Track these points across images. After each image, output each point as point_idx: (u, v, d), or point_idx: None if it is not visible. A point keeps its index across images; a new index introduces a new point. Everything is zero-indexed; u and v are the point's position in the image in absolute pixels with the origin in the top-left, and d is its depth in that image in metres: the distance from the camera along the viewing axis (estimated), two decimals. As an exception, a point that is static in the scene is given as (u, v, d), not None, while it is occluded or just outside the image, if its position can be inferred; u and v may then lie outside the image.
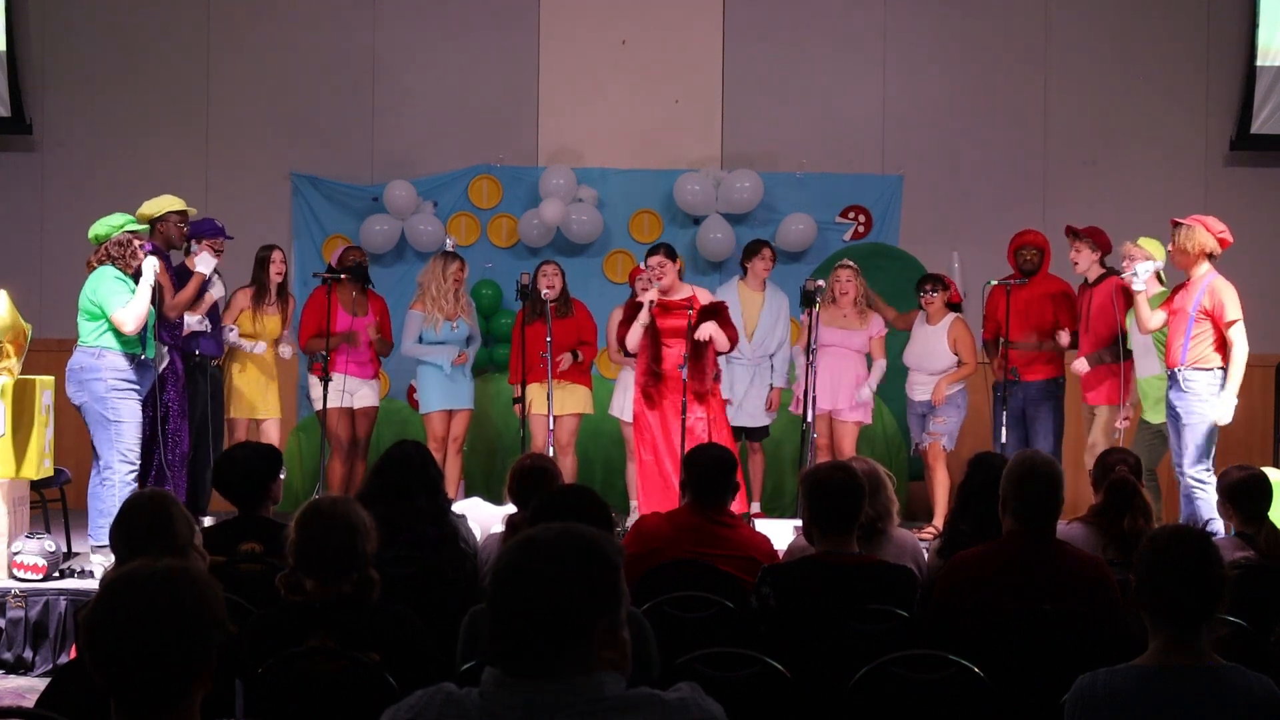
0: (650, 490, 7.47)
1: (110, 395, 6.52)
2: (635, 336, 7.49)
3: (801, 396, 7.62)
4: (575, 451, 8.39)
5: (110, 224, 6.64)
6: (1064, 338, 7.84)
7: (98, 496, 6.53)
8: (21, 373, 6.69)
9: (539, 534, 2.12)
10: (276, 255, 8.11)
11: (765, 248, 8.39)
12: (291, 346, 8.18)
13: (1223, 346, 6.76)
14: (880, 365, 8.24)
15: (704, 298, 7.60)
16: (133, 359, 6.61)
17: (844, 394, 8.15)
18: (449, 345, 8.21)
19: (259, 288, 8.05)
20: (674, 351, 7.43)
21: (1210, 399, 6.72)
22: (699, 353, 7.38)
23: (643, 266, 8.29)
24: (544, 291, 7.90)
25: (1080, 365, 7.77)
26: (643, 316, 7.45)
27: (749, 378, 8.27)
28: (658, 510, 6.89)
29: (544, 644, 2.05)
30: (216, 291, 7.57)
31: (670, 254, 7.60)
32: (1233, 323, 6.68)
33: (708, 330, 7.33)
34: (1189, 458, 6.73)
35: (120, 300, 6.51)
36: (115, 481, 6.48)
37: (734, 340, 7.58)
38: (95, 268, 6.61)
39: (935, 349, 8.14)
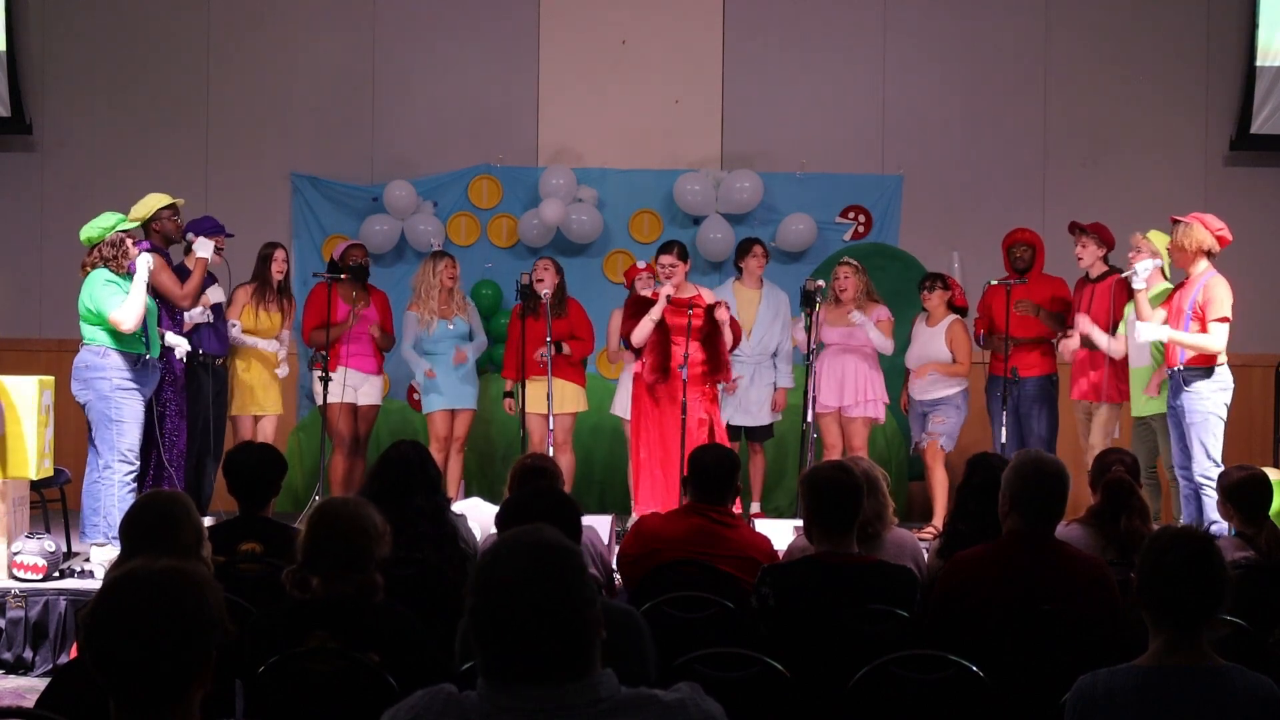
0: (646, 489, 7.48)
1: (115, 394, 6.52)
2: (644, 331, 7.48)
3: (805, 397, 7.63)
4: (573, 450, 8.39)
5: (101, 226, 6.63)
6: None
7: (93, 495, 6.53)
8: (11, 372, 6.66)
9: (505, 548, 2.13)
10: (279, 253, 8.11)
11: (756, 245, 8.40)
12: (285, 365, 8.13)
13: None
14: (890, 344, 8.21)
15: (708, 297, 7.64)
16: (136, 359, 6.61)
17: (850, 390, 8.14)
18: (439, 355, 8.21)
19: (260, 284, 8.05)
20: (680, 350, 7.45)
21: (1212, 396, 6.70)
22: (715, 346, 7.39)
23: (640, 265, 8.30)
24: (541, 291, 7.90)
25: (1070, 342, 7.72)
26: (655, 312, 7.46)
27: (749, 376, 8.27)
28: (652, 509, 6.95)
29: (534, 653, 2.06)
30: (215, 295, 7.55)
31: (683, 255, 7.65)
32: (1218, 319, 6.61)
33: (724, 313, 7.41)
34: (1197, 458, 6.68)
35: (115, 301, 6.51)
36: (114, 481, 6.48)
37: (736, 337, 7.63)
38: (89, 271, 6.61)
39: (934, 349, 8.13)
